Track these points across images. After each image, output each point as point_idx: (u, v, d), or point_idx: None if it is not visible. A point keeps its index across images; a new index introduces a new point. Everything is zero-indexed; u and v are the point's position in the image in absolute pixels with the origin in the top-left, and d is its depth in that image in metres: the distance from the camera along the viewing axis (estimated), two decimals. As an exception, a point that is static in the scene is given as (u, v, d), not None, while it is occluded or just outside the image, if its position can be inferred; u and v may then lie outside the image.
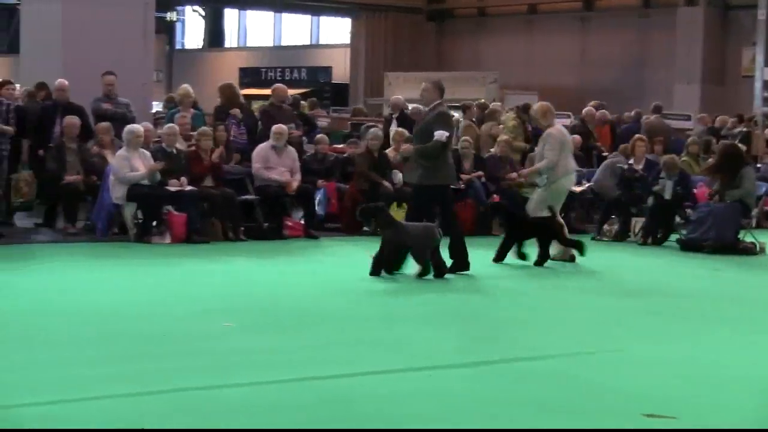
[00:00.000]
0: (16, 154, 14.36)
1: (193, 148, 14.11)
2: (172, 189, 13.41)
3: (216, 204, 13.65)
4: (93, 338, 7.60)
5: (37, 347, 7.25)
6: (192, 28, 47.65)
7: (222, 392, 6.20)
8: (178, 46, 47.23)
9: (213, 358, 7.06)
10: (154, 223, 13.34)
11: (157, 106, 22.84)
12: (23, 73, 18.08)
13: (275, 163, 14.34)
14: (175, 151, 13.84)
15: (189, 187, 13.51)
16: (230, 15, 46.17)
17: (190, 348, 7.38)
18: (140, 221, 13.37)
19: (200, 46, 46.95)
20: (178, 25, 46.99)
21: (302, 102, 19.99)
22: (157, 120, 17.37)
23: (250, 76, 40.23)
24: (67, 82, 14.60)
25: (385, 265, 10.87)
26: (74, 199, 13.48)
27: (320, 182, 15.07)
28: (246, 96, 20.79)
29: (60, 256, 11.88)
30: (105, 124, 14.04)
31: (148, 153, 13.49)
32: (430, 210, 11.70)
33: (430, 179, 11.36)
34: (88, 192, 13.59)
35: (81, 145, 13.82)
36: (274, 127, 14.43)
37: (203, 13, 46.10)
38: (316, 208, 14.79)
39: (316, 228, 14.52)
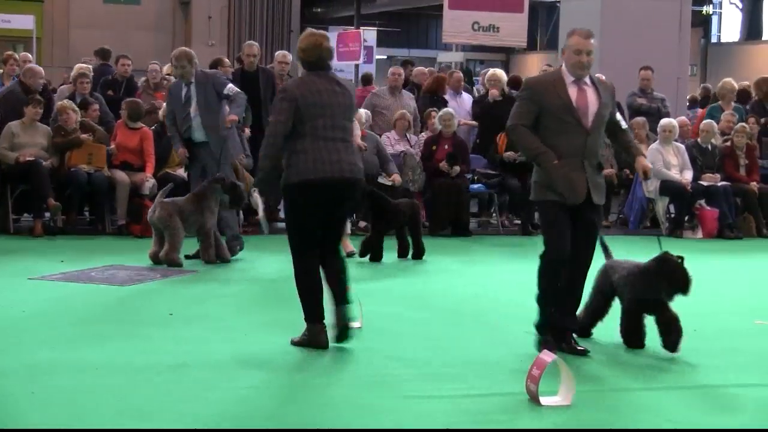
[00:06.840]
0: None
1: (729, 144, 13.86)
2: (705, 184, 13.27)
3: (749, 199, 13.37)
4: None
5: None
6: (728, 21, 46.57)
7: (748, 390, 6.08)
8: (713, 40, 46.38)
9: (742, 356, 6.92)
10: (686, 218, 13.29)
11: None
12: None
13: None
14: (709, 147, 13.67)
15: (721, 183, 13.32)
16: (769, 6, 44.55)
17: (718, 345, 7.27)
18: (672, 215, 13.37)
19: (736, 39, 45.78)
20: (714, 18, 46.14)
21: None
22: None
23: (791, 69, 38.54)
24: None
25: None
26: (607, 194, 13.71)
27: None
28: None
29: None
30: (640, 119, 14.17)
31: (682, 147, 13.43)
32: None
33: None
34: (621, 185, 13.80)
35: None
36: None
37: (740, 6, 44.91)
38: None
39: None
